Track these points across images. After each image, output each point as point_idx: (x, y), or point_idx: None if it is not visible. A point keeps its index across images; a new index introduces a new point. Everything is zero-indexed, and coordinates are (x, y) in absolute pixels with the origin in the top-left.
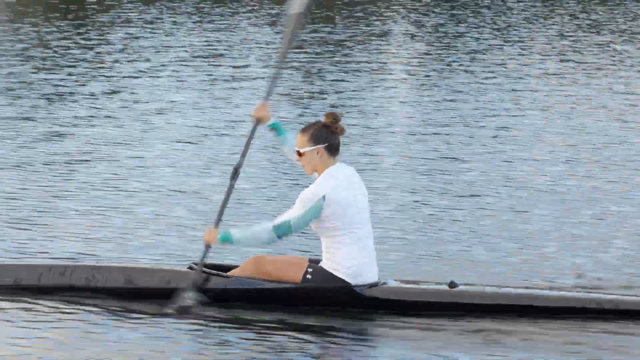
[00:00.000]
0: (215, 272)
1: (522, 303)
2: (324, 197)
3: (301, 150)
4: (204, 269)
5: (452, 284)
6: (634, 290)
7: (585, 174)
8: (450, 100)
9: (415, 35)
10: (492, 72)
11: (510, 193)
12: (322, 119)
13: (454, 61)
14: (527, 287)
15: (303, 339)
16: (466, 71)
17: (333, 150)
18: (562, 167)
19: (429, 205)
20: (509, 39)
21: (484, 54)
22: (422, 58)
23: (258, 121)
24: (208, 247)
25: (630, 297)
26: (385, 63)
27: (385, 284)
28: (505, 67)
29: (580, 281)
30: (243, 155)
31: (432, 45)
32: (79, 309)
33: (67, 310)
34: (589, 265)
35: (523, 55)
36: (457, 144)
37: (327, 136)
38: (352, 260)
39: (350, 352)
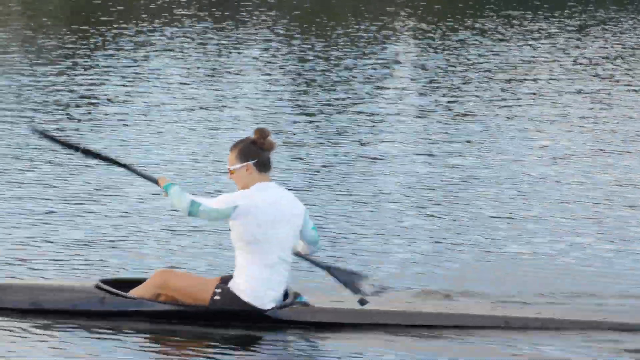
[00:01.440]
0: (118, 291)
1: (428, 322)
2: (235, 207)
3: (231, 168)
4: (110, 288)
5: (362, 301)
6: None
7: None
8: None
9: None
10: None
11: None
12: (252, 134)
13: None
14: (436, 304)
15: (213, 357)
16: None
17: (263, 166)
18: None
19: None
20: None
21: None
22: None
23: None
24: (155, 181)
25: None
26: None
27: (294, 305)
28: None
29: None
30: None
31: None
32: None
33: None
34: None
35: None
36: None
37: (255, 152)
38: (254, 281)
39: None
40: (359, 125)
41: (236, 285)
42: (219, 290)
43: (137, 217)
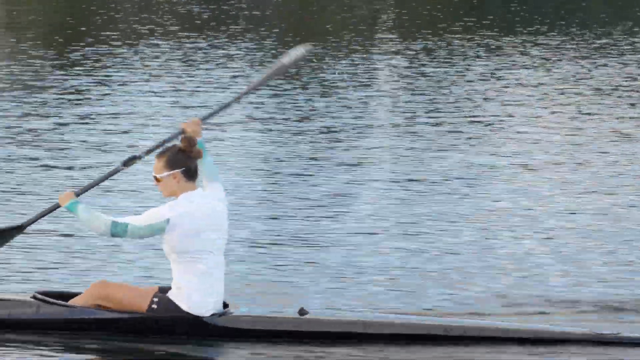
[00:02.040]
0: (56, 301)
1: (372, 331)
2: (168, 220)
3: (158, 176)
4: (46, 298)
5: (301, 311)
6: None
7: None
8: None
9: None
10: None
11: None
12: (178, 143)
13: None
14: (380, 313)
15: None
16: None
17: (190, 174)
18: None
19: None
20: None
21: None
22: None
23: (184, 133)
24: (57, 206)
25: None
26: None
27: (232, 313)
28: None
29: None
30: (150, 152)
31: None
32: None
33: None
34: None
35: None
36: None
37: (183, 161)
38: (192, 290)
39: None
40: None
41: (174, 295)
42: (156, 299)
43: (70, 230)
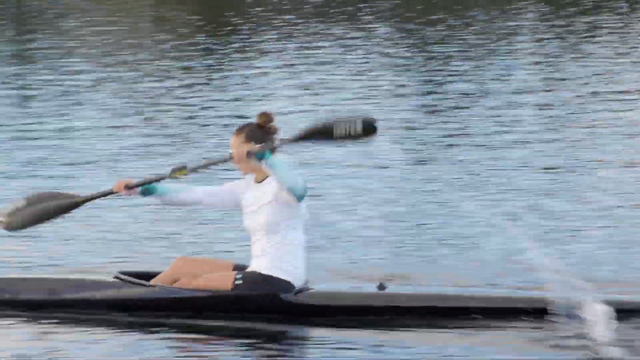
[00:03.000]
0: (138, 281)
1: (453, 304)
2: None
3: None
4: (129, 277)
5: (380, 286)
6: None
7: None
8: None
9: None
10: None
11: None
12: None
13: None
14: (458, 287)
15: (231, 345)
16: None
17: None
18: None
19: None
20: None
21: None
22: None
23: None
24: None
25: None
26: None
27: (312, 289)
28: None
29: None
30: (204, 167)
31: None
32: (6, 323)
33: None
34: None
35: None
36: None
37: (262, 136)
38: (295, 259)
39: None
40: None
41: (265, 267)
42: (240, 276)
43: (149, 211)
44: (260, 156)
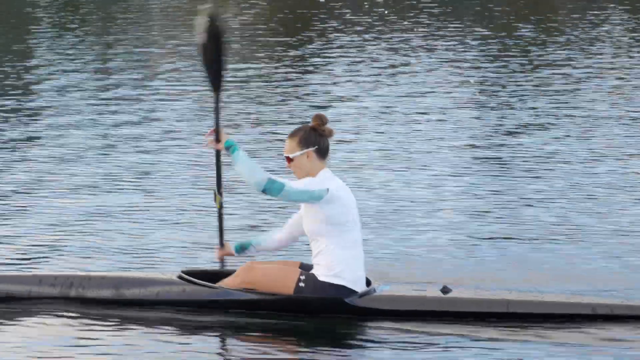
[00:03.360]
0: (202, 282)
1: (517, 310)
2: (328, 189)
3: (290, 156)
4: (193, 279)
5: (444, 289)
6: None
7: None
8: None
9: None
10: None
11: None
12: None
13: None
14: (521, 293)
15: (297, 346)
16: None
17: (323, 153)
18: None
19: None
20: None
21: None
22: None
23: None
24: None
25: (621, 301)
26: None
27: (375, 292)
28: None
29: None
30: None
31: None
32: (68, 319)
33: (55, 322)
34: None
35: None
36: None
37: (315, 139)
38: (348, 265)
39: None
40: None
41: (323, 273)
42: (303, 278)
43: (206, 210)
44: (227, 145)
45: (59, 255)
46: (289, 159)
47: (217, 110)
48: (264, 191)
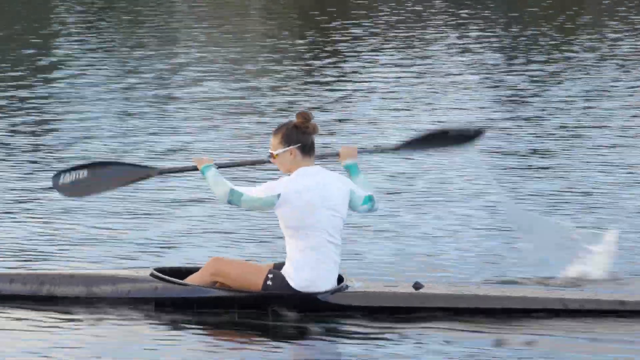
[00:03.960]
0: (172, 279)
1: (488, 305)
2: (279, 195)
3: (274, 152)
4: (164, 276)
5: (416, 285)
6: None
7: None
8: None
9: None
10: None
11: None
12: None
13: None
14: (490, 287)
15: (267, 342)
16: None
17: (307, 150)
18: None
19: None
20: None
21: None
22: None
23: (271, 158)
24: (193, 168)
25: (593, 295)
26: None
27: (346, 288)
28: None
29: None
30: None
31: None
32: (39, 317)
33: (26, 320)
34: None
35: None
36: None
37: (298, 137)
38: (302, 267)
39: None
40: None
41: (286, 271)
42: (271, 276)
43: (186, 206)
44: (204, 170)
45: (31, 253)
46: (273, 156)
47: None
48: (228, 202)
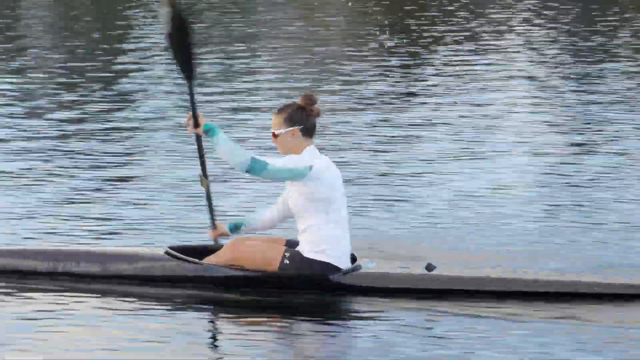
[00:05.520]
0: (188, 258)
1: (501, 288)
2: (311, 167)
3: (276, 132)
4: (180, 254)
5: (429, 267)
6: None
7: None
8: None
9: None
10: None
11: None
12: (298, 100)
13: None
14: (504, 271)
15: (281, 323)
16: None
17: (309, 132)
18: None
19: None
20: None
21: None
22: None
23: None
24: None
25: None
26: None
27: (360, 269)
28: None
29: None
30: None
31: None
32: (54, 294)
33: (41, 297)
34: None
35: None
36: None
37: (301, 118)
38: (333, 241)
39: (330, 334)
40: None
41: (308, 249)
42: (287, 254)
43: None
44: (206, 129)
45: (47, 229)
46: (274, 135)
47: (192, 97)
48: (247, 171)
